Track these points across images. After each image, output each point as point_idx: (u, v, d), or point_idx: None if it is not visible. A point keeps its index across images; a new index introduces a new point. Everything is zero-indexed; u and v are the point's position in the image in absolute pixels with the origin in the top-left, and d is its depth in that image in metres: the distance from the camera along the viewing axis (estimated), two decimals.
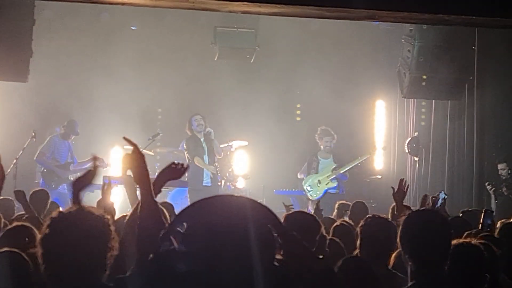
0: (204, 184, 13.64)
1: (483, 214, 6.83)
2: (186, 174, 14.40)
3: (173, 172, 4.52)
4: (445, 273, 4.02)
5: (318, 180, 14.42)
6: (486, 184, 13.09)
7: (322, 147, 14.64)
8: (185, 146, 13.87)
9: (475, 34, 13.40)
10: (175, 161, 4.55)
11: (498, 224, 6.80)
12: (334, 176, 14.42)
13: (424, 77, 14.05)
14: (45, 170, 13.94)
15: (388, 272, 5.20)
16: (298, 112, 17.29)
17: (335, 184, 14.37)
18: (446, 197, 8.38)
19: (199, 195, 13.04)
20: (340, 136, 14.94)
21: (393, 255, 5.41)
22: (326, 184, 14.39)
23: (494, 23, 10.54)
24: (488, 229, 6.49)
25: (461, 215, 8.67)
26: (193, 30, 15.46)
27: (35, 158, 13.77)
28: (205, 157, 13.66)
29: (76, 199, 4.21)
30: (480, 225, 6.62)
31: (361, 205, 9.10)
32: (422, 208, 5.24)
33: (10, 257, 4.07)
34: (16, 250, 4.13)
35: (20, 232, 5.05)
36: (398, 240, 4.11)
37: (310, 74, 16.04)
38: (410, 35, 13.97)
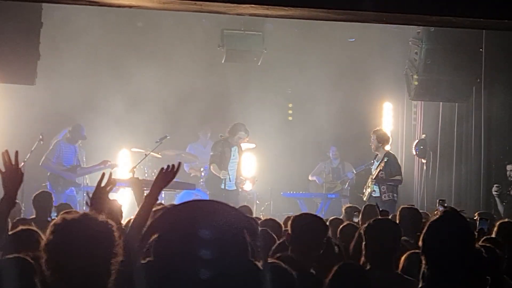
0: (227, 187, 13.62)
1: (478, 220, 6.79)
2: (203, 174, 14.48)
3: (165, 177, 4.59)
4: (460, 280, 3.96)
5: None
6: (495, 185, 13.02)
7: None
8: (212, 149, 13.84)
9: (482, 36, 13.37)
10: (163, 166, 4.61)
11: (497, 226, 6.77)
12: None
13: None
14: (51, 174, 13.96)
15: (392, 274, 5.19)
16: (304, 114, 17.24)
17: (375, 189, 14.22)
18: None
19: (222, 197, 13.10)
20: (347, 138, 14.92)
21: (403, 257, 5.39)
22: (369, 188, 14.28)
23: (501, 25, 10.51)
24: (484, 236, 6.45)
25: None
26: (200, 32, 15.47)
27: (40, 164, 13.77)
28: (230, 164, 13.61)
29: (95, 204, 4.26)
30: (476, 231, 6.58)
31: (372, 208, 9.05)
32: (454, 211, 5.15)
33: (17, 263, 4.07)
34: (22, 255, 4.12)
35: (26, 235, 5.05)
36: (420, 241, 4.04)
37: (316, 77, 16.03)
38: (418, 37, 13.96)
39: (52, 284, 3.31)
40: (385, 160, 14.00)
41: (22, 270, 3.99)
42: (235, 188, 13.69)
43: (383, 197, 13.76)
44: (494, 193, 12.87)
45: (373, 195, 13.92)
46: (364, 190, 14.23)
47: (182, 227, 2.22)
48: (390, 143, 14.14)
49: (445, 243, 3.94)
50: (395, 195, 13.63)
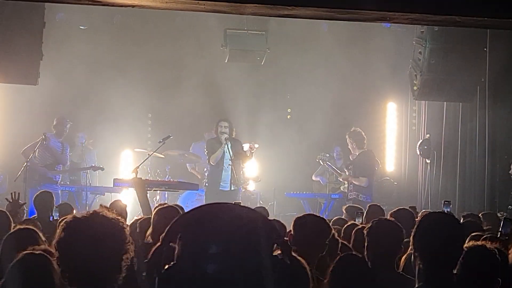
0: (220, 188, 13.66)
1: (502, 222, 6.77)
2: (206, 174, 14.46)
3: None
4: (455, 276, 4.03)
5: None
6: (500, 212, 12.85)
7: None
8: (205, 147, 14.19)
9: (486, 35, 13.34)
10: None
11: None
12: None
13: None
14: (28, 165, 13.76)
15: (394, 274, 5.20)
16: (308, 114, 17.19)
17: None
18: (450, 210, 8.42)
19: (216, 198, 13.11)
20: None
21: (403, 257, 5.38)
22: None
23: (506, 25, 10.47)
24: (507, 238, 6.42)
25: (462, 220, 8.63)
26: (203, 32, 15.45)
27: (21, 152, 13.62)
28: (221, 157, 13.70)
29: None
30: (498, 233, 6.55)
31: (377, 208, 9.03)
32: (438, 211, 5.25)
33: (33, 259, 4.10)
34: (39, 252, 4.15)
35: (25, 235, 5.06)
36: (411, 238, 4.12)
37: (320, 77, 16.01)
38: (422, 37, 13.92)
39: (64, 280, 3.34)
40: (352, 159, 14.28)
41: (41, 266, 4.04)
42: (233, 188, 13.65)
43: (348, 195, 14.03)
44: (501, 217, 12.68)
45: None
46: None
47: (204, 230, 2.23)
48: (365, 142, 14.46)
49: (434, 240, 4.04)
50: (360, 195, 13.87)
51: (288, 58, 16.13)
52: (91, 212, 3.42)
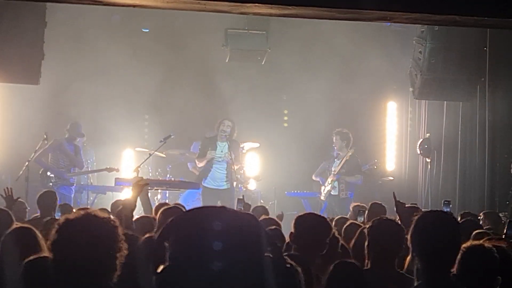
0: (214, 186, 13.76)
1: (507, 225, 6.78)
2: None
3: None
4: (454, 275, 4.05)
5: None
6: (502, 213, 12.83)
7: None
8: (200, 144, 14.37)
9: (486, 35, 13.34)
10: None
11: None
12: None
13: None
14: (42, 171, 13.88)
15: (395, 273, 5.20)
16: (308, 113, 17.20)
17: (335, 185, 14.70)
18: (449, 210, 8.45)
19: (211, 195, 13.18)
20: (352, 138, 14.94)
21: (408, 258, 5.39)
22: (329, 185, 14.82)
23: (506, 24, 10.49)
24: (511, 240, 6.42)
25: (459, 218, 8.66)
26: (204, 32, 15.47)
27: (34, 159, 13.67)
28: (219, 161, 13.80)
29: None
30: (503, 236, 6.56)
31: (379, 207, 9.05)
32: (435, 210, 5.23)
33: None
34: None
35: (22, 233, 5.09)
36: (408, 238, 4.14)
37: (320, 76, 16.02)
38: (422, 36, 13.93)
39: (59, 281, 3.37)
40: (347, 159, 14.37)
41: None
42: (227, 187, 13.75)
43: (340, 195, 14.17)
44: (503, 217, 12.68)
45: (332, 193, 14.33)
46: (322, 190, 14.57)
47: (197, 232, 2.25)
48: (352, 142, 14.72)
49: (431, 239, 4.06)
50: (352, 193, 14.10)
51: (288, 58, 16.14)
52: (82, 212, 3.46)
